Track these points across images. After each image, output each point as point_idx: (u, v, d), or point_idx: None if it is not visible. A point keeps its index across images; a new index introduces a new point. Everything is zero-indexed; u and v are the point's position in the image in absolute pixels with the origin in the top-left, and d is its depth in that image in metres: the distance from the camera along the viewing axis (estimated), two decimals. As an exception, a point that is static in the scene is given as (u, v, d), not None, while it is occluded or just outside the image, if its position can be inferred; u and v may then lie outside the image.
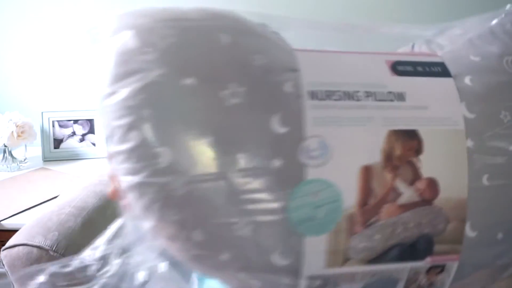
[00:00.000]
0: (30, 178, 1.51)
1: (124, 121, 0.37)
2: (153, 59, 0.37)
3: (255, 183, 0.37)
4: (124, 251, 0.44)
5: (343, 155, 0.39)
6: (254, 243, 0.38)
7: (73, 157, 1.69)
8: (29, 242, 0.92)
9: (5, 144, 1.55)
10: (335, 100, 0.39)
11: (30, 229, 0.96)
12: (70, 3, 1.70)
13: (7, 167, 1.57)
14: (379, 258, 0.41)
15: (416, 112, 0.41)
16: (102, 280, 0.43)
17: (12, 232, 1.00)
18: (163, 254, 0.42)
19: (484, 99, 0.43)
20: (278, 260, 0.39)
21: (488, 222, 0.43)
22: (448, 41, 0.48)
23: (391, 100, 0.41)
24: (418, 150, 0.40)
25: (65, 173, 1.54)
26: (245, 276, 0.40)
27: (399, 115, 0.41)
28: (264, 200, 0.38)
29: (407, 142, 0.40)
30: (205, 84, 0.37)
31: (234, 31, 0.39)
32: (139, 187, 0.38)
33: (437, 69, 0.44)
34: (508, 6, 0.50)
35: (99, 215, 1.07)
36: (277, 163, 0.37)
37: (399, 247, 0.41)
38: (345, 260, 0.40)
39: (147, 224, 0.40)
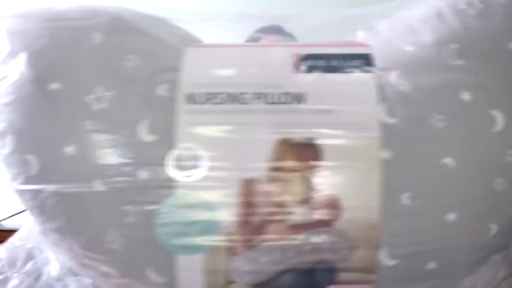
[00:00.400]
0: None
1: (0, 126, 0.36)
2: (23, 62, 0.35)
3: (123, 195, 0.34)
4: (31, 252, 0.44)
5: (220, 167, 0.33)
6: (128, 257, 0.35)
7: None
8: (29, 242, 0.96)
9: None
10: (216, 104, 0.34)
11: (30, 229, 1.00)
12: None
13: None
14: (268, 283, 0.35)
15: (317, 117, 0.34)
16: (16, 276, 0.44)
17: (12, 232, 0.90)
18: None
19: (412, 99, 0.34)
20: (154, 276, 0.35)
21: (412, 250, 0.35)
22: (387, 26, 0.39)
23: (287, 103, 0.34)
24: (315, 162, 0.34)
25: None
26: (129, 286, 0.37)
27: (294, 120, 0.34)
28: (132, 214, 0.34)
29: (302, 152, 0.34)
30: (70, 89, 0.34)
31: (109, 30, 0.35)
32: (19, 193, 0.37)
33: (357, 63, 0.36)
34: None
35: None
36: (143, 174, 0.34)
37: (292, 273, 0.35)
38: (228, 283, 0.35)
39: (36, 228, 0.39)
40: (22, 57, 0.35)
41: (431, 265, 0.35)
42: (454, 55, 0.34)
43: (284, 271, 0.35)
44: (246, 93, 0.34)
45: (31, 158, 0.35)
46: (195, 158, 0.33)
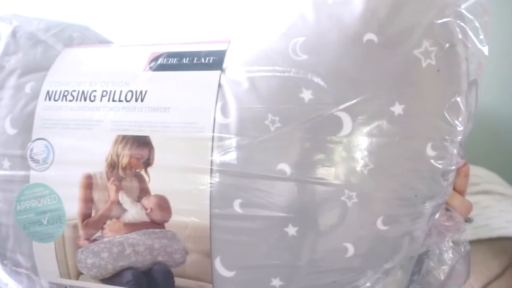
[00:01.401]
0: None
1: None
2: None
3: None
4: None
5: (65, 161, 0.34)
6: (2, 241, 0.38)
7: None
8: None
9: None
10: (69, 101, 0.35)
11: None
12: None
13: None
14: (111, 279, 0.34)
15: (153, 115, 0.32)
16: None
17: None
18: None
19: (248, 98, 0.30)
20: (22, 261, 0.37)
21: (249, 262, 0.30)
22: (257, 20, 0.35)
23: (128, 101, 0.33)
24: (148, 161, 0.32)
25: None
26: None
27: (132, 118, 0.33)
28: (1, 199, 0.36)
29: (137, 150, 0.32)
30: None
31: (9, 33, 0.39)
32: None
33: (207, 61, 0.33)
34: None
35: None
36: (6, 163, 0.36)
37: (132, 271, 0.33)
38: (78, 274, 0.35)
39: None
40: None
41: (276, 282, 0.31)
42: (299, 49, 0.30)
43: (126, 268, 0.34)
44: (95, 90, 0.34)
45: None
46: (46, 151, 0.34)
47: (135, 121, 0.33)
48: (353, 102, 0.28)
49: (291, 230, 0.29)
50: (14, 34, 0.39)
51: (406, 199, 0.29)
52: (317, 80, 0.29)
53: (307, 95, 0.29)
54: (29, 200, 0.35)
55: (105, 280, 0.35)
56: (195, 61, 0.33)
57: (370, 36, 0.29)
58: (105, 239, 0.33)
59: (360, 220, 0.29)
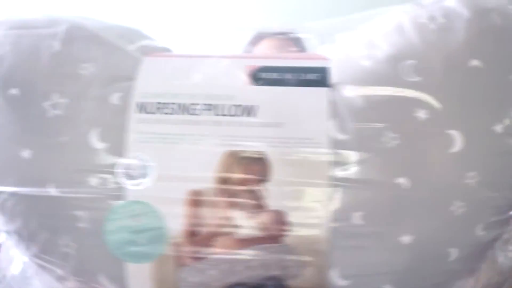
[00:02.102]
0: None
1: None
2: None
3: (75, 200, 0.33)
4: None
5: (168, 177, 0.32)
6: (81, 262, 0.34)
7: None
8: None
9: None
10: (166, 114, 0.32)
11: None
12: None
13: None
14: (216, 296, 0.33)
15: (267, 130, 0.32)
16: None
17: None
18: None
19: (364, 116, 0.31)
20: (106, 283, 0.34)
21: (364, 271, 0.32)
22: (348, 39, 0.36)
23: (236, 115, 0.32)
24: (263, 176, 0.31)
25: None
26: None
27: (243, 134, 0.32)
28: (84, 220, 0.33)
29: (250, 166, 0.31)
30: (28, 95, 0.33)
31: (68, 38, 0.34)
32: None
33: (312, 77, 0.33)
34: None
35: None
36: (94, 180, 0.32)
37: (242, 287, 0.33)
38: None
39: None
40: None
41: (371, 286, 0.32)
42: (411, 71, 0.31)
43: (233, 285, 0.33)
44: (197, 104, 0.32)
45: None
46: (144, 167, 0.32)
47: (247, 136, 0.32)
48: (463, 120, 0.31)
49: (406, 239, 0.31)
50: (89, 39, 0.35)
51: (501, 207, 0.32)
52: (430, 100, 0.31)
53: (421, 114, 0.31)
54: (123, 219, 0.32)
55: (208, 298, 0.33)
56: (300, 77, 0.33)
57: (475, 62, 0.31)
58: (214, 257, 0.32)
59: (464, 227, 0.32)
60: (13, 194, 0.34)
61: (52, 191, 0.33)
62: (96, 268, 0.33)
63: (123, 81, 0.34)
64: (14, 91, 0.33)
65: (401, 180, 0.30)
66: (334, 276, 0.32)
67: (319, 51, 0.37)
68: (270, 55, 0.36)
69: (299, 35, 0.43)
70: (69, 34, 0.35)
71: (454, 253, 0.32)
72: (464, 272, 0.33)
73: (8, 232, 0.36)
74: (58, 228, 0.33)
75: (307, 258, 0.31)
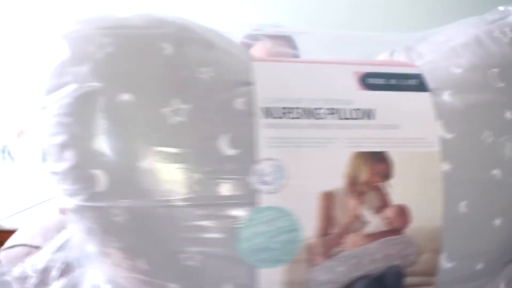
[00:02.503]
0: (29, 178, 1.31)
1: (57, 139, 0.31)
2: (86, 71, 0.31)
3: (202, 211, 0.31)
4: (68, 266, 0.38)
5: (300, 180, 0.32)
6: (204, 274, 0.32)
7: None
8: (28, 243, 0.78)
9: (5, 144, 1.40)
10: (293, 118, 0.33)
11: (29, 229, 0.85)
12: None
13: (7, 167, 1.41)
14: (342, 291, 0.34)
15: (386, 132, 0.34)
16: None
17: (11, 232, 0.88)
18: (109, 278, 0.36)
19: (464, 117, 0.36)
20: (232, 292, 0.33)
21: (467, 252, 0.36)
22: (429, 49, 0.40)
23: (358, 118, 0.34)
24: (387, 174, 0.33)
25: None
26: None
27: (366, 135, 0.33)
28: (213, 229, 0.31)
29: (375, 165, 0.33)
30: (144, 100, 0.31)
31: (179, 40, 0.33)
32: (78, 210, 0.32)
33: (413, 83, 0.36)
34: (499, 9, 0.42)
35: None
36: (225, 189, 0.31)
37: (365, 280, 0.34)
38: None
39: (91, 248, 0.34)
40: (86, 66, 0.31)
41: (480, 266, 0.36)
42: (497, 78, 0.36)
43: (357, 278, 0.34)
44: (320, 108, 0.33)
45: (98, 173, 0.30)
46: (276, 172, 0.31)
47: (369, 138, 0.33)
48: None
49: (498, 222, 0.36)
50: (199, 42, 0.33)
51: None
52: None
53: (508, 114, 0.36)
54: (258, 225, 0.31)
55: (333, 294, 0.34)
56: (402, 83, 0.36)
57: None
58: (343, 253, 0.33)
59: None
60: (127, 209, 0.30)
61: (177, 202, 0.30)
62: (222, 278, 0.32)
63: (243, 86, 0.33)
64: (126, 97, 0.30)
65: (495, 172, 0.35)
66: (443, 259, 0.35)
67: (404, 59, 0.40)
68: (366, 62, 0.38)
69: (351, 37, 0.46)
70: (179, 36, 0.32)
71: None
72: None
73: (109, 252, 0.32)
74: (181, 241, 0.31)
75: (424, 246, 0.34)
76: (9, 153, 1.46)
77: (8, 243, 0.80)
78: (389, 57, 0.43)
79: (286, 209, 0.31)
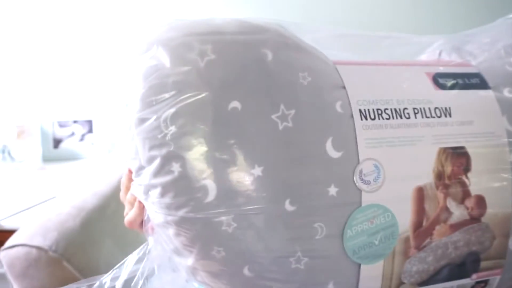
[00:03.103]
0: (29, 178, 1.36)
1: (161, 151, 0.30)
2: (190, 79, 0.30)
3: (314, 213, 0.31)
4: (147, 278, 0.37)
5: (396, 177, 0.33)
6: (311, 275, 0.32)
7: (72, 157, 1.55)
8: (28, 243, 0.79)
9: (5, 144, 1.42)
10: (386, 119, 0.33)
11: (29, 229, 0.84)
12: (67, 6, 1.57)
13: (6, 167, 1.43)
14: (429, 280, 0.35)
15: (463, 128, 0.36)
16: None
17: (11, 232, 0.88)
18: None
19: None
20: (335, 290, 0.33)
21: None
22: (479, 49, 0.42)
23: (439, 117, 0.35)
24: (467, 167, 0.35)
25: (64, 173, 1.40)
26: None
27: (447, 132, 0.35)
28: (319, 231, 0.31)
29: (457, 159, 0.35)
30: (252, 108, 0.30)
31: (277, 46, 0.32)
32: (180, 223, 0.31)
33: (476, 81, 0.38)
34: None
35: (98, 215, 0.94)
36: (333, 190, 0.31)
37: (449, 267, 0.36)
38: (398, 285, 0.35)
39: (187, 260, 0.33)
40: (189, 75, 0.30)
41: None
42: None
43: (443, 267, 0.36)
44: (407, 108, 0.34)
45: (208, 183, 0.30)
46: (376, 171, 0.32)
47: (450, 134, 0.35)
48: None
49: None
50: (294, 47, 0.33)
51: None
52: None
53: None
54: (362, 223, 0.32)
55: (421, 283, 0.35)
56: (467, 81, 0.38)
57: None
58: (432, 244, 0.34)
59: None
60: (237, 218, 0.30)
61: (288, 206, 0.30)
62: (326, 278, 0.32)
63: (338, 89, 0.33)
64: (234, 104, 0.29)
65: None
66: (510, 243, 0.37)
67: (459, 58, 0.42)
68: (431, 62, 0.40)
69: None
70: (277, 41, 0.32)
71: None
72: None
73: (206, 264, 0.31)
74: (292, 244, 0.31)
75: (496, 232, 0.36)
76: (9, 153, 1.46)
77: (8, 243, 0.81)
78: (438, 57, 0.44)
79: (385, 206, 0.32)
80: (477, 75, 0.39)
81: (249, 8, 1.47)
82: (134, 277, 0.37)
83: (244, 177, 0.30)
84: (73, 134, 1.56)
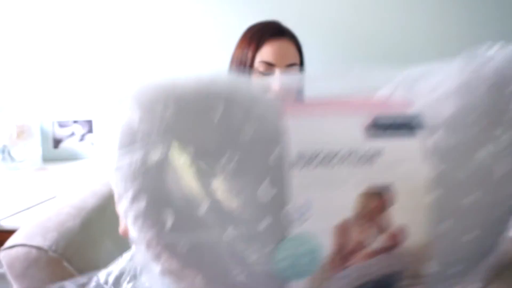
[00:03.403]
0: (29, 178, 1.38)
1: (131, 187, 0.38)
2: (153, 132, 0.37)
3: (248, 241, 0.38)
4: (136, 276, 0.45)
5: (322, 213, 0.40)
6: (249, 286, 0.40)
7: (72, 157, 1.57)
8: (28, 243, 0.83)
9: (5, 144, 1.44)
10: (318, 163, 0.40)
11: (29, 229, 0.88)
12: (67, 6, 1.61)
13: (6, 167, 1.45)
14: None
15: (390, 169, 0.41)
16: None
17: (11, 232, 0.91)
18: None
19: (455, 151, 0.43)
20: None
21: (451, 259, 0.44)
22: (425, 91, 0.47)
23: (367, 159, 0.41)
24: (390, 202, 0.41)
25: (64, 173, 1.43)
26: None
27: (374, 172, 0.41)
28: (256, 253, 0.38)
29: (381, 195, 0.41)
30: (202, 158, 0.37)
31: (227, 101, 0.39)
32: (148, 242, 0.39)
33: (412, 122, 0.44)
34: (483, 48, 0.49)
35: (98, 215, 0.99)
36: (265, 223, 0.38)
37: (370, 283, 0.42)
38: None
39: (156, 268, 0.41)
40: (153, 126, 0.37)
41: (459, 267, 0.45)
42: (477, 119, 0.43)
43: (365, 283, 0.42)
44: (337, 154, 0.40)
45: (167, 214, 0.37)
46: (305, 207, 0.39)
47: (377, 174, 0.41)
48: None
49: (473, 235, 0.44)
50: (250, 100, 0.40)
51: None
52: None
53: (491, 148, 0.43)
54: (290, 249, 0.39)
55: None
56: (402, 123, 0.43)
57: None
58: (354, 265, 0.41)
59: None
60: (188, 242, 0.38)
61: (229, 236, 0.37)
62: None
63: (278, 135, 0.40)
64: (189, 151, 0.38)
65: (475, 195, 0.43)
66: (433, 265, 0.43)
67: (405, 98, 0.47)
68: (372, 103, 0.45)
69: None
70: (228, 95, 0.39)
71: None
72: None
73: (172, 270, 0.39)
74: (231, 263, 0.39)
75: (417, 258, 0.42)
76: (9, 153, 1.45)
77: (8, 243, 0.84)
78: (392, 93, 0.49)
79: (310, 236, 0.39)
80: (415, 116, 0.44)
81: (249, 8, 1.52)
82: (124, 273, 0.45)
83: (195, 211, 0.37)
84: (73, 134, 1.59)
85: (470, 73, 0.46)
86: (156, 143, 0.36)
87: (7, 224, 1.06)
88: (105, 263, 0.80)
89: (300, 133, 0.41)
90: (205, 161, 0.37)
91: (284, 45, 0.93)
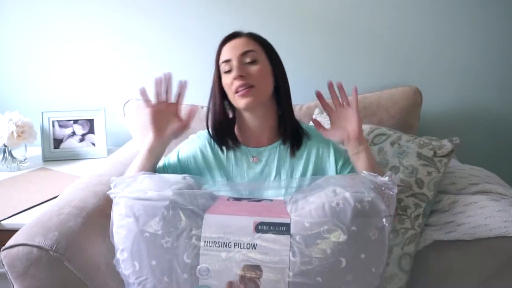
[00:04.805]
0: (30, 178, 1.40)
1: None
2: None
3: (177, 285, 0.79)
4: None
5: (218, 275, 0.79)
6: None
7: (73, 157, 1.60)
8: (29, 242, 0.86)
9: (5, 144, 1.46)
10: (217, 247, 0.79)
11: (30, 229, 0.90)
12: (69, 5, 1.64)
13: (7, 167, 1.49)
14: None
15: (262, 255, 0.79)
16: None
17: (12, 232, 0.93)
18: None
19: (304, 249, 0.79)
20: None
21: None
22: (301, 206, 0.82)
23: (248, 248, 0.79)
24: (260, 275, 0.78)
25: (65, 173, 1.46)
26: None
27: (252, 257, 0.78)
28: None
29: (255, 271, 0.78)
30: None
31: (172, 206, 0.79)
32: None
33: (283, 228, 0.81)
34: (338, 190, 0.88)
35: (99, 215, 1.03)
36: (185, 276, 0.78)
37: None
38: None
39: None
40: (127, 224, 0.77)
41: None
42: (326, 232, 0.77)
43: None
44: (230, 242, 0.79)
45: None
46: (207, 270, 0.78)
47: (253, 258, 0.79)
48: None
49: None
50: (180, 209, 0.80)
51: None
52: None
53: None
54: None
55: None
56: (277, 228, 0.80)
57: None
58: None
59: None
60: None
61: (165, 279, 0.78)
62: None
63: (197, 230, 0.78)
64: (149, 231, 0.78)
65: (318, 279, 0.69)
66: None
67: (288, 210, 0.83)
68: (262, 211, 0.81)
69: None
70: (173, 203, 0.78)
71: None
72: None
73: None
74: None
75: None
76: (9, 153, 1.50)
77: (9, 242, 0.87)
78: (287, 205, 0.84)
79: (211, 285, 0.78)
80: (286, 225, 0.82)
81: (249, 8, 1.62)
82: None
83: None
84: (73, 134, 1.63)
85: (331, 199, 0.78)
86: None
87: (8, 224, 1.10)
88: (105, 263, 0.97)
89: (212, 224, 0.78)
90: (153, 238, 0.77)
91: (237, 41, 1.00)
